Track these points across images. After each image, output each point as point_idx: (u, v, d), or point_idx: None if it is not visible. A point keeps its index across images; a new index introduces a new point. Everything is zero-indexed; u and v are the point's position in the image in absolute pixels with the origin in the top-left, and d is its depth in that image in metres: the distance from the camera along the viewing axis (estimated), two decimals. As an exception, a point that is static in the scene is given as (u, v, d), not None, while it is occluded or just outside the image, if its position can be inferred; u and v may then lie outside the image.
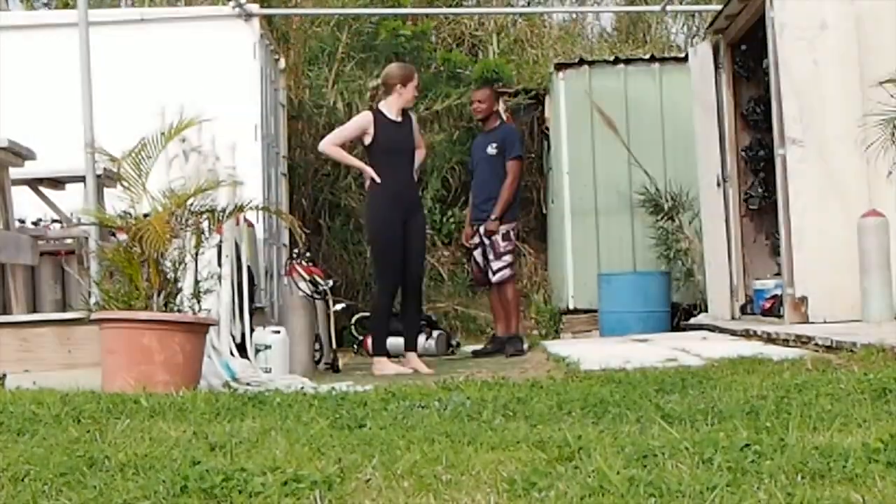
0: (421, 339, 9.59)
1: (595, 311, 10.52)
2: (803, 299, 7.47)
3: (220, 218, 5.95)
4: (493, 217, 8.96)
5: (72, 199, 7.00)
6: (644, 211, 10.65)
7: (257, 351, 6.84)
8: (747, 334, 7.58)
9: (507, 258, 9.03)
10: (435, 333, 9.62)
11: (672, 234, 10.47)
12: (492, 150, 9.22)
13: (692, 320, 9.84)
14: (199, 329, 5.49)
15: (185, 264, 5.66)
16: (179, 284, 5.58)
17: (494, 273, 9.02)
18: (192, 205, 5.73)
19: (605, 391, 4.27)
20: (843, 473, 2.55)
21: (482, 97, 9.53)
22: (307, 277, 8.03)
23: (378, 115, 7.81)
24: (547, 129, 12.15)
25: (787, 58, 7.63)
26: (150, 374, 5.11)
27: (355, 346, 10.13)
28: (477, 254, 9.21)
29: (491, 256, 9.01)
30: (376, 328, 7.86)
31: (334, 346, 8.33)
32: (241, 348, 6.80)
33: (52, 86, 8.81)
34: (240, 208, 6.45)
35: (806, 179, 7.57)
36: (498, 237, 8.97)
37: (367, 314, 10.74)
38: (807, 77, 7.62)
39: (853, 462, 2.61)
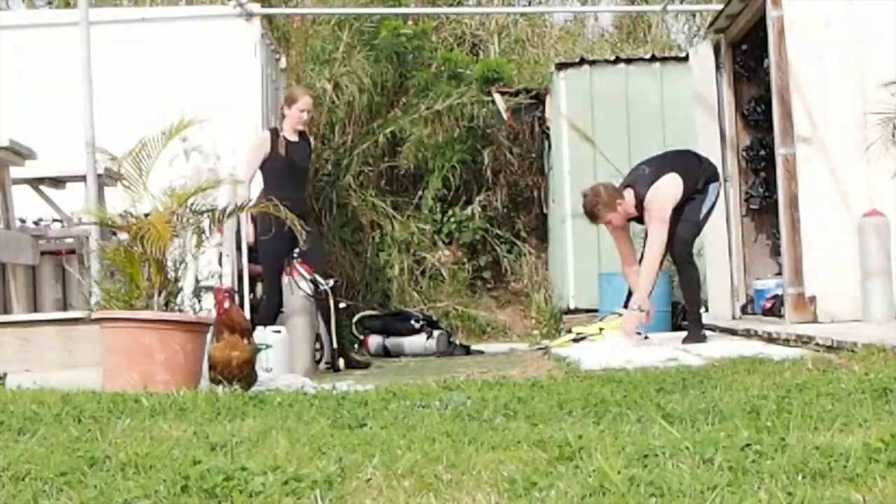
0: (421, 338, 9.61)
1: (596, 310, 10.51)
2: (812, 299, 7.46)
3: (221, 217, 5.95)
4: None
5: (73, 199, 7.00)
6: None
7: (258, 350, 6.84)
8: (748, 334, 7.58)
9: None
10: (435, 333, 9.61)
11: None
12: None
13: (693, 320, 9.83)
14: (199, 328, 5.48)
15: (186, 263, 5.66)
16: (180, 284, 5.58)
17: None
18: (192, 204, 5.73)
19: (605, 391, 4.26)
20: (844, 473, 2.55)
21: None
22: (308, 277, 8.03)
23: (274, 134, 8.29)
24: (548, 128, 12.15)
25: (794, 56, 7.62)
26: (150, 374, 5.11)
27: (356, 346, 10.13)
28: None
29: None
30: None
31: (335, 345, 8.32)
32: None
33: (52, 85, 8.81)
34: (241, 208, 6.46)
35: (814, 178, 7.56)
36: None
37: (368, 314, 10.78)
38: (813, 75, 7.62)
39: (854, 462, 2.61)
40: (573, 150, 11.06)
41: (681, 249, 7.52)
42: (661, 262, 7.57)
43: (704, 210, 7.61)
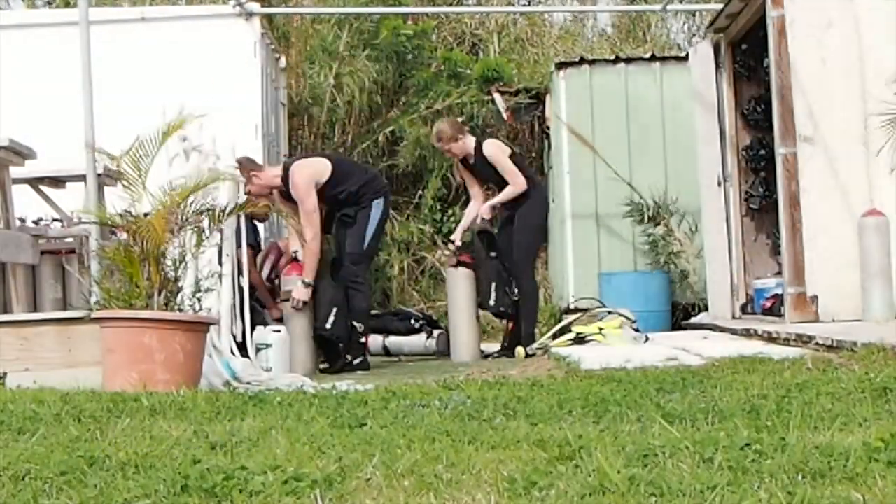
0: (421, 338, 9.59)
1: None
2: (814, 298, 7.46)
3: (221, 217, 5.95)
4: None
5: (73, 199, 7.00)
6: (632, 220, 10.71)
7: (258, 350, 6.84)
8: (748, 333, 7.57)
9: None
10: (435, 333, 9.60)
11: (662, 238, 10.48)
12: None
13: (693, 319, 9.84)
14: (199, 328, 5.48)
15: (186, 263, 5.66)
16: (180, 283, 5.58)
17: None
18: (192, 203, 5.73)
19: (605, 390, 4.27)
20: (844, 472, 2.55)
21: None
22: (308, 277, 8.00)
23: None
24: (548, 128, 12.15)
25: (795, 55, 7.62)
26: (150, 373, 5.11)
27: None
28: None
29: None
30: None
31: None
32: (242, 347, 6.80)
33: (52, 85, 8.81)
34: (240, 207, 6.45)
35: (815, 177, 7.56)
36: None
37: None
38: (815, 75, 7.62)
39: (854, 461, 2.61)
40: (573, 151, 11.06)
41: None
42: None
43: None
